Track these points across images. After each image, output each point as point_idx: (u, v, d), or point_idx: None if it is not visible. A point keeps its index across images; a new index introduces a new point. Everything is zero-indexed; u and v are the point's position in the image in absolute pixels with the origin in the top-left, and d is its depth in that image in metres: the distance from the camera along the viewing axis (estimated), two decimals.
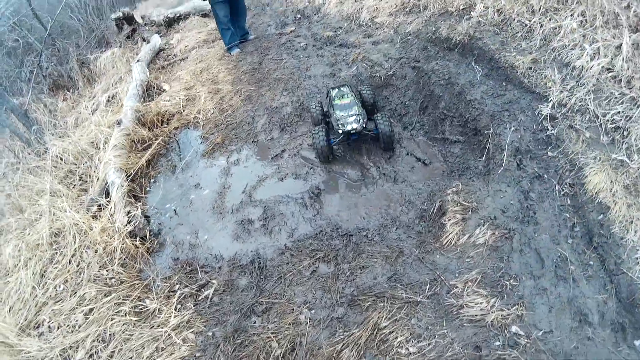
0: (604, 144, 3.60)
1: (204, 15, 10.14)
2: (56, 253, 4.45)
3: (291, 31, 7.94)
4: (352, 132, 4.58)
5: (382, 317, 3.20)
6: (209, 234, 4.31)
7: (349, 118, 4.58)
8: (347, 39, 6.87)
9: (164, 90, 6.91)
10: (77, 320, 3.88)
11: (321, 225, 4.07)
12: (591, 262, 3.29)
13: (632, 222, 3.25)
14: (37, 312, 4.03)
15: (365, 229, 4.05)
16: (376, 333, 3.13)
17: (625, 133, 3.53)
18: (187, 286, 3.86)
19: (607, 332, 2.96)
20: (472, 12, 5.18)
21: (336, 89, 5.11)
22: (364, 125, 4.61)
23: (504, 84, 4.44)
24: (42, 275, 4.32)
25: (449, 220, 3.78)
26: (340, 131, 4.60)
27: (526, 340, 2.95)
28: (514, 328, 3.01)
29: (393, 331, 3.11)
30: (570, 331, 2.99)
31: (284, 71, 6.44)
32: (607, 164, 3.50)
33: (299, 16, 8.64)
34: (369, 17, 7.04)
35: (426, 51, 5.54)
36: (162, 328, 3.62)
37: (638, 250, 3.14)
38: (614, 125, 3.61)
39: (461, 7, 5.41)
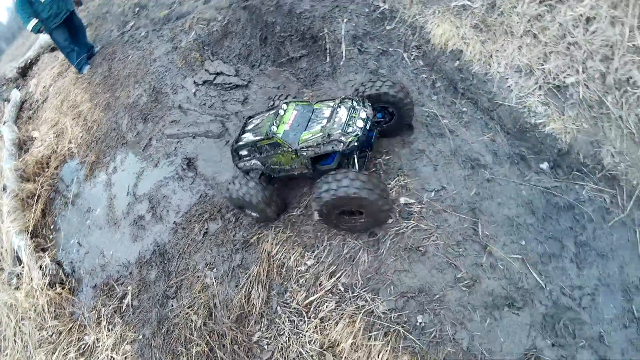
0: None
1: (53, 49, 8.83)
2: (1, 341, 4.01)
3: (131, 26, 7.00)
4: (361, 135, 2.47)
5: (270, 242, 2.90)
6: (113, 247, 3.86)
7: (334, 120, 2.52)
8: (181, 10, 6.10)
9: (35, 137, 6.05)
10: None
11: (200, 189, 3.64)
12: (464, 109, 3.01)
13: (491, 56, 2.95)
14: None
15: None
16: (272, 262, 2.84)
17: None
18: (110, 305, 3.47)
19: (506, 167, 2.69)
20: None
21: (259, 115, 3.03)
22: (370, 118, 2.53)
23: None
24: None
25: None
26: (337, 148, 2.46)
27: (420, 206, 2.63)
28: (402, 200, 2.70)
29: (285, 252, 2.83)
30: (466, 180, 2.68)
31: (131, 66, 5.67)
32: (449, 14, 3.18)
33: (137, 9, 7.58)
34: None
35: None
36: (104, 353, 3.27)
37: (507, 78, 2.84)
38: None
39: None
